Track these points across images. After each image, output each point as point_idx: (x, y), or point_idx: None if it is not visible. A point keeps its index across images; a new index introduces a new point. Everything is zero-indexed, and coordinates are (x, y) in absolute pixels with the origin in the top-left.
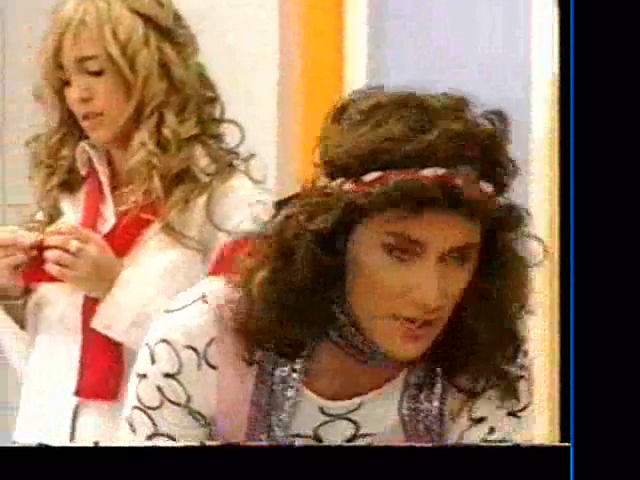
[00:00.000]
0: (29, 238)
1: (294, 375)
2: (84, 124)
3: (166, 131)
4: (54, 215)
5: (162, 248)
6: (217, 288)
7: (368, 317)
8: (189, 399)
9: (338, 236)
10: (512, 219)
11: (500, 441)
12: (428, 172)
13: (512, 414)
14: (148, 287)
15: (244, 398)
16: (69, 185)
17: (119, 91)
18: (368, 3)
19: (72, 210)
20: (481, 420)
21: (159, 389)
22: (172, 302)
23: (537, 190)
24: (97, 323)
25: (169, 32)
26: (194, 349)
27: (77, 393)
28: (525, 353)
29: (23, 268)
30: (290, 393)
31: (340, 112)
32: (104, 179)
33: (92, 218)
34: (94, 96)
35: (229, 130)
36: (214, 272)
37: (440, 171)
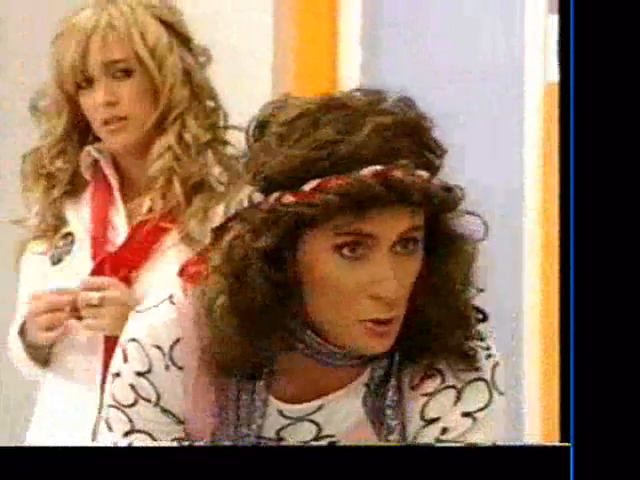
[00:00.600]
0: (65, 298)
1: (259, 384)
2: (103, 129)
3: (187, 136)
4: (59, 225)
5: (182, 259)
6: (185, 296)
7: (332, 325)
8: (159, 397)
9: (286, 250)
10: (450, 199)
11: (454, 441)
12: (366, 172)
13: (468, 415)
14: None
15: (208, 406)
16: (72, 192)
17: (146, 95)
18: (362, 11)
19: (77, 218)
20: (434, 420)
21: (132, 387)
22: (143, 303)
23: (531, 190)
24: None
25: (188, 40)
26: (160, 349)
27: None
28: (479, 322)
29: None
30: (258, 403)
31: (261, 129)
32: (114, 183)
33: (102, 228)
34: (120, 100)
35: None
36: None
37: (378, 168)
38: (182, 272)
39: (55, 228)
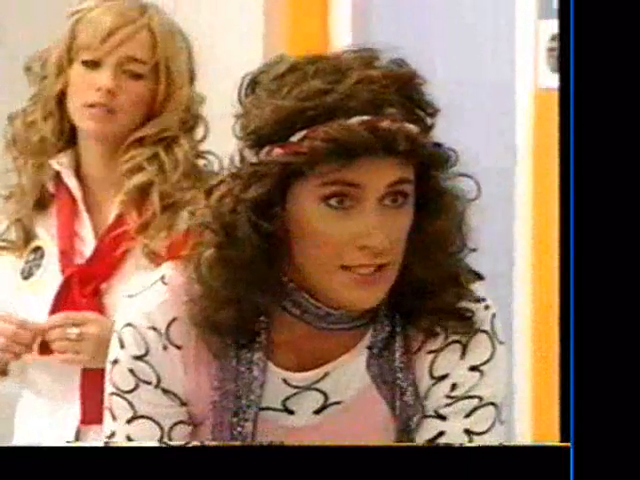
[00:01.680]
0: (30, 331)
1: (257, 354)
2: (85, 111)
3: (180, 153)
4: (29, 239)
5: (148, 269)
6: (176, 269)
7: (319, 275)
8: (159, 379)
9: (275, 201)
10: (441, 156)
11: (465, 397)
12: (354, 120)
13: (474, 368)
14: None
15: (208, 381)
16: (40, 206)
17: (145, 103)
18: (352, 18)
19: (46, 232)
20: (443, 377)
21: (131, 372)
22: (133, 287)
23: (520, 194)
24: None
25: (194, 77)
26: (156, 330)
27: (82, 421)
28: (475, 280)
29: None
30: (256, 372)
31: (252, 84)
32: (78, 194)
33: (69, 241)
34: (120, 94)
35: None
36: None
37: (366, 117)
38: (169, 252)
39: (25, 242)
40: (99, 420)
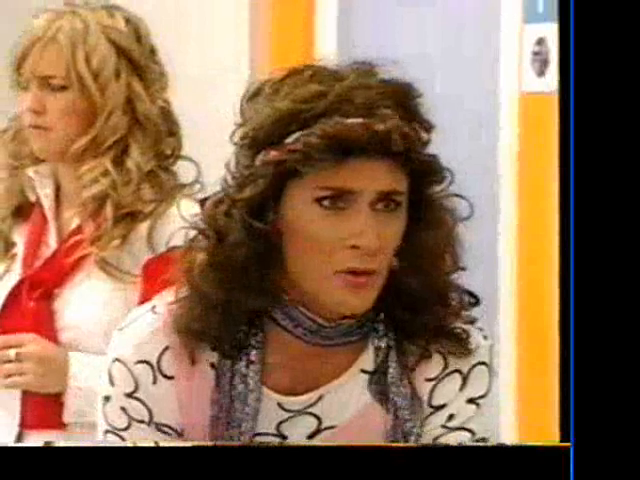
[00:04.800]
0: None
1: (252, 367)
2: (30, 131)
3: (130, 164)
4: (8, 246)
5: (99, 281)
6: (166, 297)
7: (311, 280)
8: (151, 414)
9: (270, 203)
10: (435, 165)
11: (459, 428)
12: (349, 122)
13: (471, 401)
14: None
15: (205, 400)
16: (21, 213)
17: (78, 113)
18: (338, 21)
19: (21, 239)
20: (441, 407)
21: (123, 410)
22: (124, 320)
23: (504, 196)
24: (69, 416)
25: (141, 68)
26: (147, 362)
27: (22, 425)
28: (471, 305)
29: None
30: (252, 385)
31: (254, 96)
32: (46, 202)
33: (34, 247)
34: (46, 112)
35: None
36: (146, 294)
37: (361, 119)
38: (145, 271)
39: (5, 249)
40: (39, 425)
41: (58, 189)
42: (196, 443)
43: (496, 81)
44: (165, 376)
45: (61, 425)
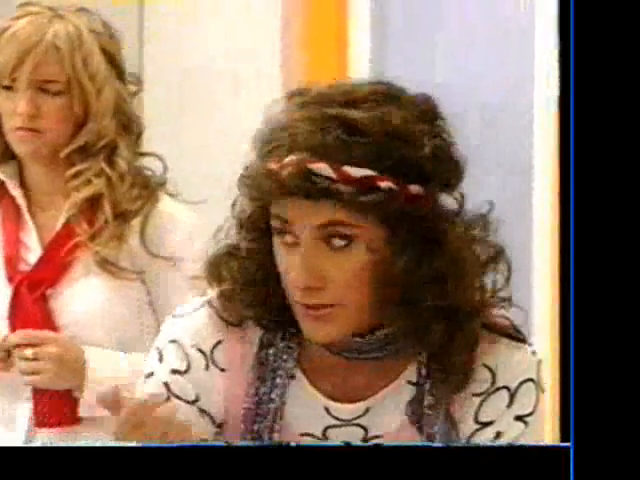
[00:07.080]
0: None
1: (289, 351)
2: (14, 134)
3: (122, 163)
4: None
5: (98, 279)
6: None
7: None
8: (197, 398)
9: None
10: (451, 215)
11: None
12: (287, 160)
13: (519, 418)
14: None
15: (244, 396)
16: None
17: (71, 117)
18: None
19: None
20: (489, 424)
21: (166, 385)
22: (179, 308)
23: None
24: (85, 411)
25: (123, 73)
26: (201, 351)
27: (36, 423)
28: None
29: None
30: (290, 364)
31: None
32: (22, 203)
33: (14, 248)
34: (41, 114)
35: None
36: None
37: (299, 156)
38: None
39: None
40: (51, 423)
41: (25, 186)
42: (204, 443)
43: (531, 85)
44: (217, 367)
45: (75, 420)
